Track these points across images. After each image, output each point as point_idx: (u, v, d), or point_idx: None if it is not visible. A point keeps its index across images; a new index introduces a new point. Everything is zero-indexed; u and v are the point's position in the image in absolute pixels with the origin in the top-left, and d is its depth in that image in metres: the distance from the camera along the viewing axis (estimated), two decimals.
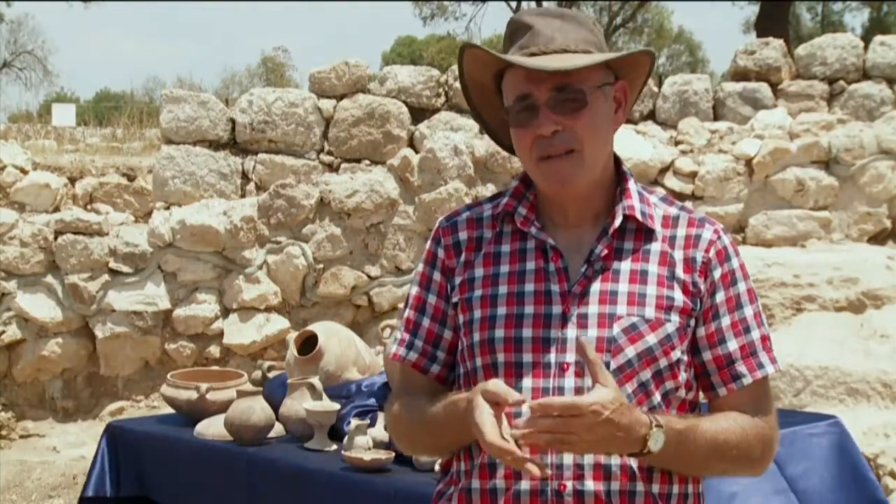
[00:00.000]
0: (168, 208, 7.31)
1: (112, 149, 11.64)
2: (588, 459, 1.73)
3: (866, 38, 9.30)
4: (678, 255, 1.81)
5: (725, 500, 3.03)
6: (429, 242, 1.95)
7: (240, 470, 3.31)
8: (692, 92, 8.24)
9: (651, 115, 8.30)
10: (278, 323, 7.09)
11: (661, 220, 1.85)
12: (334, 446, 3.33)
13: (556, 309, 1.78)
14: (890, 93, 8.19)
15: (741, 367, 1.80)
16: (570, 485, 1.73)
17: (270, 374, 3.91)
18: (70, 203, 7.92)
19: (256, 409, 3.37)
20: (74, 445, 6.51)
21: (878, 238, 7.44)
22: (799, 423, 3.55)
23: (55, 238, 6.92)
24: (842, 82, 8.27)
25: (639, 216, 1.82)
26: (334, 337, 3.77)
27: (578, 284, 1.79)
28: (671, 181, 7.45)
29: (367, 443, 3.17)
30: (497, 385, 1.68)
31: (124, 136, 12.59)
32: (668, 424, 1.69)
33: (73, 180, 8.24)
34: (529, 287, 1.81)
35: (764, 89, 8.26)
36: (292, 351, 3.75)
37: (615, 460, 1.74)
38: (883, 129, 7.50)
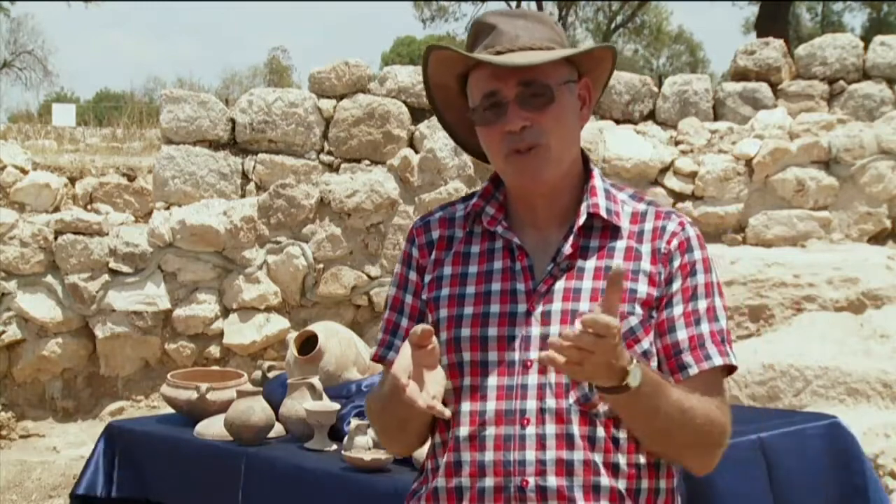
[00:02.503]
0: (168, 208, 7.31)
1: (112, 149, 11.64)
2: (550, 455, 1.74)
3: (866, 38, 9.30)
4: (645, 248, 1.82)
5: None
6: (404, 243, 1.97)
7: (240, 470, 3.31)
8: (692, 92, 8.24)
9: (651, 115, 8.30)
10: (278, 323, 7.09)
11: (629, 216, 1.86)
12: (334, 446, 3.33)
13: (521, 307, 1.80)
14: (890, 93, 8.19)
15: (687, 358, 1.79)
16: (532, 481, 1.74)
17: (270, 374, 3.91)
18: (70, 203, 7.93)
19: (256, 409, 3.36)
20: (74, 445, 6.51)
21: (878, 238, 7.44)
22: (798, 422, 3.54)
23: (55, 238, 6.92)
24: (842, 82, 8.27)
25: (604, 213, 1.84)
26: (334, 337, 3.77)
27: (543, 283, 1.81)
28: (671, 181, 7.45)
29: (367, 443, 3.17)
30: (416, 326, 1.71)
31: (124, 136, 12.59)
32: (647, 369, 1.68)
33: (73, 180, 8.25)
34: (496, 286, 1.83)
35: (764, 89, 8.26)
36: (292, 351, 3.75)
37: (577, 455, 1.74)
38: (883, 129, 7.50)
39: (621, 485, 1.76)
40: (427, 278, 1.89)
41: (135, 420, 4.43)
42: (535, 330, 1.78)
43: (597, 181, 1.87)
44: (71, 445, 6.54)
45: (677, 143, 7.79)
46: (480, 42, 1.83)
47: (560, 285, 1.80)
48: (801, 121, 7.70)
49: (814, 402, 5.51)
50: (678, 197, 7.42)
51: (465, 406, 1.79)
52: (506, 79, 1.77)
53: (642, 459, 1.79)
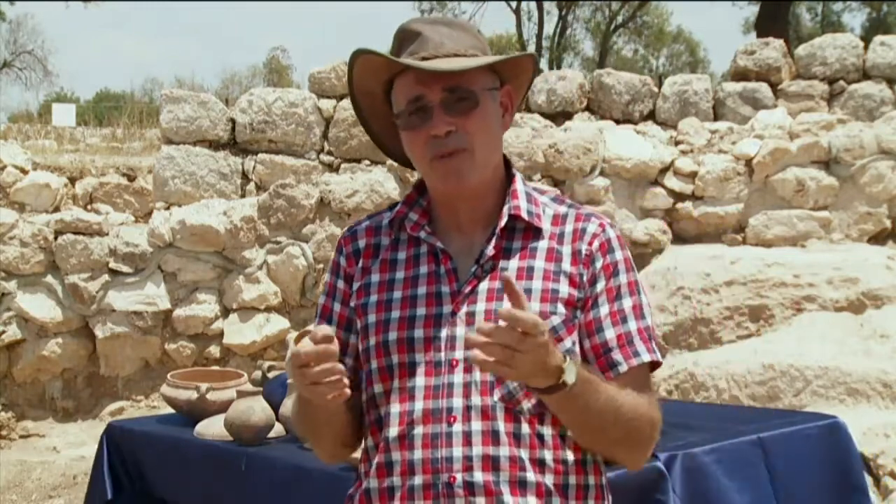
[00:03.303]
0: (168, 208, 7.31)
1: (112, 149, 11.64)
2: (476, 451, 1.77)
3: (866, 38, 9.31)
4: (566, 249, 1.87)
5: None
6: (333, 253, 2.01)
7: (239, 470, 3.31)
8: (692, 92, 8.24)
9: (651, 115, 8.30)
10: (278, 323, 7.09)
11: (550, 218, 1.90)
12: None
13: (447, 308, 1.84)
14: (890, 93, 8.19)
15: (617, 356, 1.83)
16: (459, 477, 1.77)
17: (270, 374, 3.90)
18: (70, 203, 7.93)
19: (256, 409, 3.37)
20: (74, 445, 6.51)
21: (878, 238, 7.43)
22: (798, 422, 3.55)
23: (55, 238, 6.92)
24: (842, 82, 8.27)
25: (524, 215, 1.88)
26: None
27: (468, 284, 1.84)
28: (671, 181, 7.44)
29: None
30: (318, 327, 1.73)
31: (124, 136, 12.59)
32: (579, 366, 1.71)
33: (73, 180, 8.25)
34: (422, 290, 1.87)
35: (764, 89, 8.26)
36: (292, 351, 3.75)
37: (503, 451, 1.78)
38: (883, 129, 7.50)
39: (548, 480, 1.80)
40: (356, 286, 1.93)
41: (135, 420, 4.43)
42: (460, 330, 1.81)
43: (518, 185, 1.91)
44: (71, 445, 6.54)
45: (677, 143, 7.79)
46: (405, 49, 1.86)
47: (484, 286, 1.84)
48: (801, 121, 7.70)
49: (814, 402, 5.51)
50: (678, 197, 7.42)
51: (395, 407, 1.82)
52: (431, 84, 1.81)
53: (570, 456, 1.83)
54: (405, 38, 1.87)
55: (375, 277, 1.91)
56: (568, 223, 1.89)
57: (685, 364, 6.09)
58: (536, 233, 1.88)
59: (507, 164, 1.95)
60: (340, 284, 1.96)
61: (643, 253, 7.27)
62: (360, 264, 1.94)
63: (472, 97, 1.82)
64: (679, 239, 7.43)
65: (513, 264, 1.85)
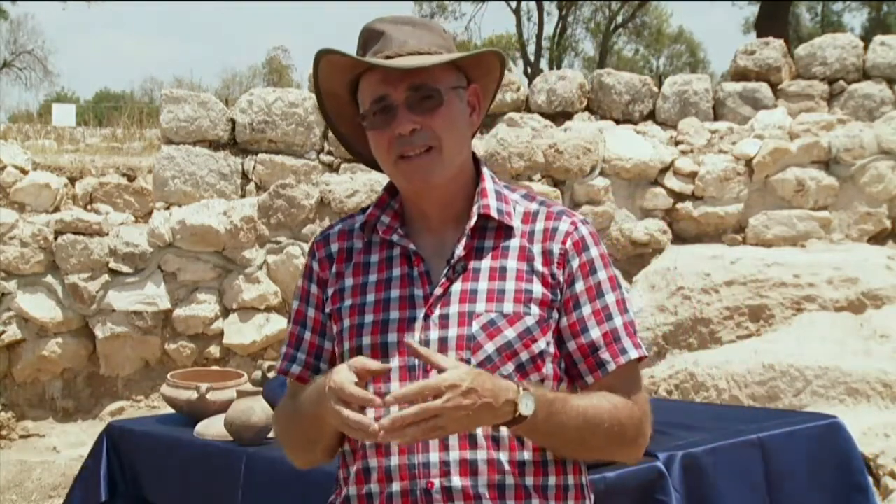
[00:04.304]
0: (168, 208, 7.31)
1: (112, 149, 11.64)
2: (454, 456, 1.76)
3: (866, 38, 9.31)
4: (536, 248, 1.85)
5: None
6: (306, 257, 2.00)
7: (239, 470, 3.31)
8: (692, 92, 8.24)
9: (651, 115, 8.30)
10: (278, 323, 7.09)
11: (521, 216, 1.88)
12: None
13: (420, 312, 1.82)
14: (890, 93, 8.19)
15: (605, 355, 1.82)
16: (437, 482, 1.76)
17: (270, 374, 3.90)
18: (70, 203, 7.93)
19: (256, 409, 3.37)
20: (74, 445, 6.51)
21: (878, 238, 7.43)
22: (798, 423, 3.55)
23: (55, 238, 6.92)
24: (842, 82, 8.27)
25: (494, 214, 1.86)
26: None
27: (440, 286, 1.83)
28: (671, 181, 7.44)
29: None
30: (361, 359, 1.71)
31: (124, 136, 12.60)
32: (538, 391, 1.71)
33: (73, 180, 8.25)
34: (395, 293, 1.85)
35: (764, 89, 8.26)
36: None
37: (481, 455, 1.76)
38: (883, 129, 7.50)
39: (528, 482, 1.78)
40: (330, 291, 1.91)
41: (135, 420, 4.43)
42: (434, 334, 1.79)
43: (487, 183, 1.89)
44: (71, 445, 6.54)
45: (677, 143, 7.79)
46: (370, 48, 1.84)
47: (456, 288, 1.82)
48: (801, 121, 7.70)
49: (814, 402, 5.51)
50: (678, 197, 7.42)
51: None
52: (395, 83, 1.79)
53: (549, 456, 1.81)
54: (369, 37, 1.86)
55: (349, 282, 1.89)
56: (538, 221, 1.87)
57: (685, 364, 6.09)
58: (508, 231, 1.86)
59: (477, 163, 1.93)
60: (314, 289, 1.95)
61: (643, 253, 7.27)
62: (334, 269, 1.92)
63: (437, 95, 1.80)
64: (679, 239, 7.43)
65: (485, 265, 1.83)
